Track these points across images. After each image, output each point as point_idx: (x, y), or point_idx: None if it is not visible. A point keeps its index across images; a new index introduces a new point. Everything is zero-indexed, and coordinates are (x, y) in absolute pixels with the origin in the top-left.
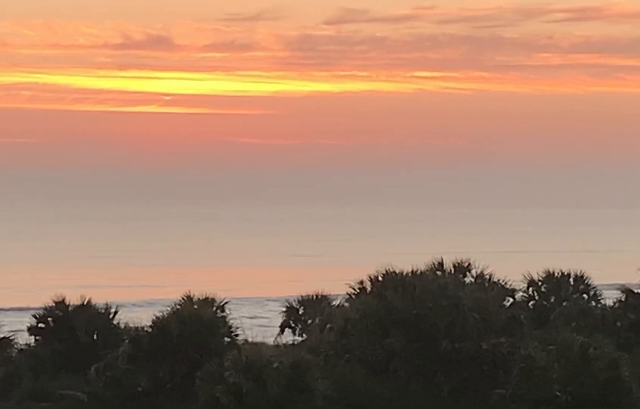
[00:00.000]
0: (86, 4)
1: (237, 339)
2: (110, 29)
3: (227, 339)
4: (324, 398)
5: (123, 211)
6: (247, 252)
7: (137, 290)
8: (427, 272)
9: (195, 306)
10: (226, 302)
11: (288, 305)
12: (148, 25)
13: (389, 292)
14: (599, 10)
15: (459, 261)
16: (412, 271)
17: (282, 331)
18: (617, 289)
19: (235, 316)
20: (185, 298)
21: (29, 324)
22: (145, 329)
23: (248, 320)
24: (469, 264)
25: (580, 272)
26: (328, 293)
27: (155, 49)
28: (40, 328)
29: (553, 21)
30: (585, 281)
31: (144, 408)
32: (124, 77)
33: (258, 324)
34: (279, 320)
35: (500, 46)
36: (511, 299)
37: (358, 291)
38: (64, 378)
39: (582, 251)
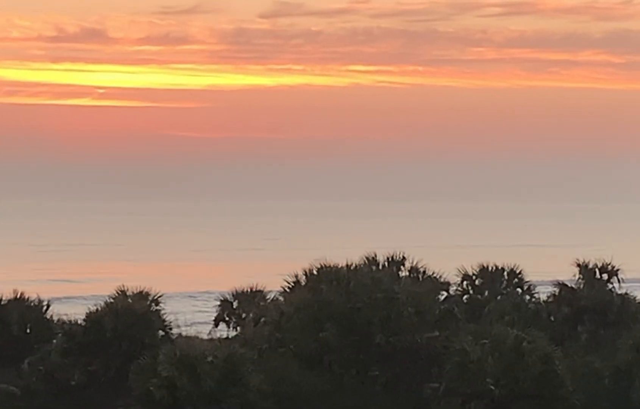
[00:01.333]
0: None
1: (171, 333)
2: (44, 22)
3: (161, 333)
4: (258, 391)
5: (56, 205)
6: (181, 246)
7: (72, 285)
8: (361, 266)
9: (130, 300)
10: (160, 296)
11: (222, 299)
12: (82, 18)
13: (324, 286)
14: (533, 5)
15: (393, 255)
16: (347, 265)
17: (216, 325)
18: (552, 283)
19: (170, 310)
20: (119, 292)
21: None
22: (79, 322)
23: (182, 314)
24: (403, 258)
25: (514, 266)
26: (263, 287)
27: (89, 42)
28: None
29: (487, 16)
30: (519, 275)
31: (77, 401)
32: (58, 70)
33: (192, 318)
34: (213, 314)
35: (435, 40)
36: (445, 293)
37: (293, 285)
38: None
39: (516, 246)
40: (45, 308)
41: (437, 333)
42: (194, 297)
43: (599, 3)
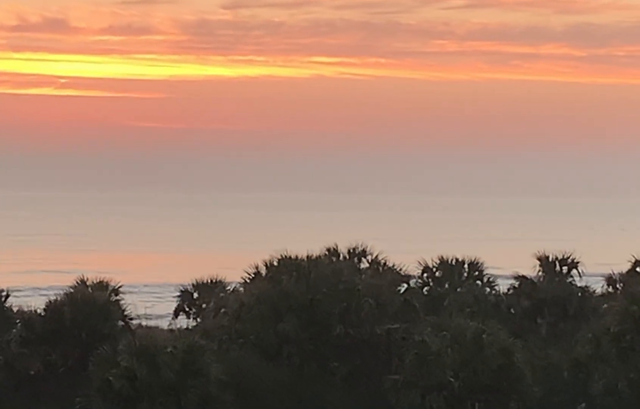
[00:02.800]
0: None
1: (131, 324)
2: (5, 11)
3: (121, 323)
4: (217, 382)
5: (16, 195)
6: (141, 237)
7: (33, 276)
8: (322, 258)
9: (90, 290)
10: (120, 287)
11: (182, 290)
12: (44, 7)
13: (284, 277)
14: None
15: (354, 247)
16: (307, 257)
17: (176, 316)
18: (512, 276)
19: (130, 300)
20: (79, 282)
21: None
22: (39, 312)
23: (142, 305)
24: (364, 250)
25: (475, 259)
26: (223, 278)
27: (51, 32)
28: None
29: (450, 8)
30: (480, 268)
31: (36, 391)
32: (19, 59)
33: (152, 309)
34: (173, 305)
35: (397, 32)
36: (406, 285)
37: (253, 276)
38: None
39: (479, 239)
40: (4, 298)
41: (397, 325)
42: (154, 288)
43: None
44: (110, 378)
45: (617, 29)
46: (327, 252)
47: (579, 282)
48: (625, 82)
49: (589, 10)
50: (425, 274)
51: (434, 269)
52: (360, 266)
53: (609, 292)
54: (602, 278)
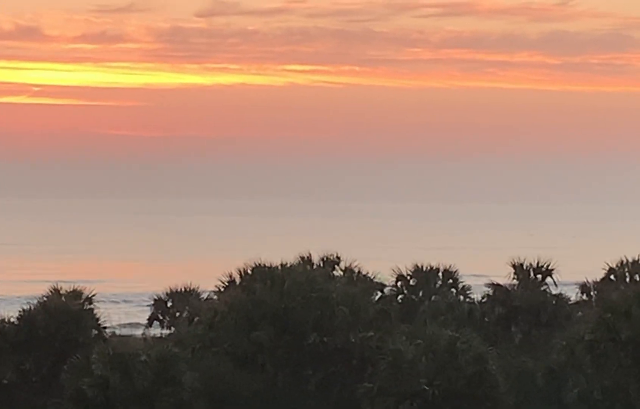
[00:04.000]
0: None
1: (105, 332)
2: None
3: (94, 331)
4: (191, 391)
5: None
6: (114, 245)
7: (5, 285)
8: (296, 266)
9: (63, 299)
10: (94, 295)
11: (156, 298)
12: (17, 15)
13: (258, 285)
14: (469, 6)
15: (328, 255)
16: (281, 265)
17: (150, 324)
18: (486, 283)
19: (103, 308)
20: (52, 291)
21: None
22: (12, 321)
23: (116, 313)
24: (338, 257)
25: (449, 266)
26: (197, 286)
27: (24, 40)
28: None
29: (424, 16)
30: (454, 276)
31: (9, 400)
32: None
33: (126, 317)
34: (147, 313)
35: (371, 40)
36: (380, 293)
37: (227, 284)
38: None
39: (454, 246)
40: None
41: (371, 333)
42: (127, 296)
43: (534, 4)
44: (84, 387)
45: (591, 37)
46: (300, 260)
47: (554, 290)
48: (599, 90)
49: (564, 18)
50: (399, 282)
51: (408, 277)
52: (334, 274)
53: (583, 300)
54: (576, 286)
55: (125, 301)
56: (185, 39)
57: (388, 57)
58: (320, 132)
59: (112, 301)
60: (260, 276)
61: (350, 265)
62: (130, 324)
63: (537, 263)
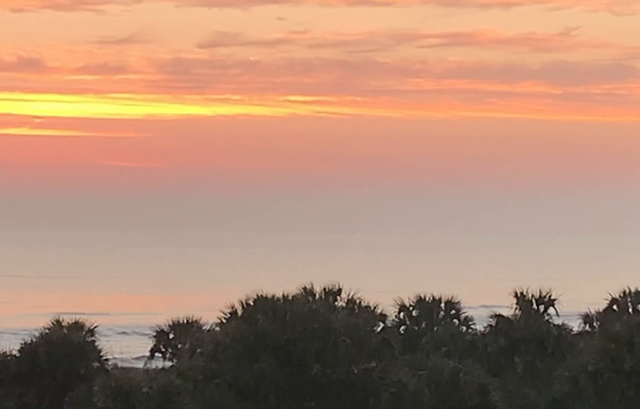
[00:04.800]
0: None
1: (107, 364)
2: None
3: (96, 364)
4: None
5: None
6: (117, 277)
7: (8, 317)
8: (298, 297)
9: (65, 331)
10: (95, 327)
11: (158, 330)
12: (19, 46)
13: (260, 316)
14: (471, 36)
15: (330, 286)
16: (284, 296)
17: (152, 356)
18: (489, 314)
19: (105, 340)
20: (54, 323)
21: None
22: (13, 354)
23: (117, 345)
24: (340, 289)
25: (451, 297)
26: (199, 318)
27: (26, 71)
28: None
29: (426, 46)
30: (456, 306)
31: None
32: None
33: (128, 349)
34: (149, 345)
35: (374, 71)
36: (382, 324)
37: (229, 315)
38: None
39: (456, 277)
40: None
41: (373, 364)
42: (130, 328)
43: (536, 35)
44: None
45: (593, 67)
46: (302, 292)
47: (556, 321)
48: (601, 120)
49: (565, 49)
50: (402, 313)
51: (411, 308)
52: (336, 305)
53: (585, 330)
54: (579, 316)
55: (127, 333)
56: (187, 70)
57: (390, 88)
58: (323, 163)
59: (114, 333)
60: (262, 308)
61: (352, 296)
62: (132, 357)
63: (540, 293)
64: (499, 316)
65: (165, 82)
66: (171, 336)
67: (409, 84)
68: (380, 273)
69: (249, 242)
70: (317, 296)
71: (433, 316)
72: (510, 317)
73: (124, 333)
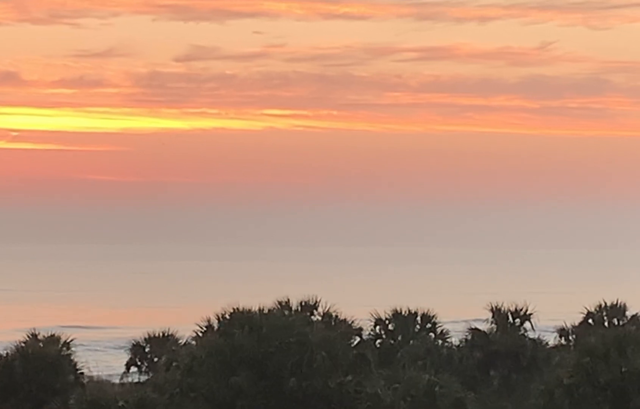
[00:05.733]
0: None
1: (83, 378)
2: None
3: (72, 377)
4: None
5: None
6: (93, 290)
7: None
8: (274, 311)
9: (41, 344)
10: (71, 341)
11: (134, 343)
12: None
13: (236, 330)
14: (448, 50)
15: (307, 300)
16: (260, 310)
17: (127, 370)
18: (465, 327)
19: (80, 354)
20: (30, 336)
21: None
22: None
23: (93, 358)
24: (316, 302)
25: (427, 310)
26: (175, 331)
27: (2, 85)
28: None
29: (402, 60)
30: (432, 320)
31: None
32: None
33: (104, 362)
34: (125, 359)
35: (350, 85)
36: (358, 338)
37: (205, 329)
38: None
39: (431, 291)
40: None
41: (349, 378)
42: (105, 342)
43: (513, 49)
44: None
45: (569, 81)
46: (279, 305)
47: (532, 334)
48: (578, 134)
49: (542, 62)
50: (378, 326)
51: (387, 321)
52: (312, 318)
53: (561, 344)
54: (554, 330)
55: (102, 347)
56: (164, 84)
57: (367, 102)
58: (300, 177)
59: (90, 347)
60: (238, 321)
61: (328, 309)
62: (108, 371)
63: (516, 307)
64: (474, 330)
65: (141, 95)
66: (147, 349)
67: (386, 97)
68: (356, 286)
69: (225, 256)
70: (294, 309)
71: (409, 330)
72: (486, 331)
73: (100, 346)
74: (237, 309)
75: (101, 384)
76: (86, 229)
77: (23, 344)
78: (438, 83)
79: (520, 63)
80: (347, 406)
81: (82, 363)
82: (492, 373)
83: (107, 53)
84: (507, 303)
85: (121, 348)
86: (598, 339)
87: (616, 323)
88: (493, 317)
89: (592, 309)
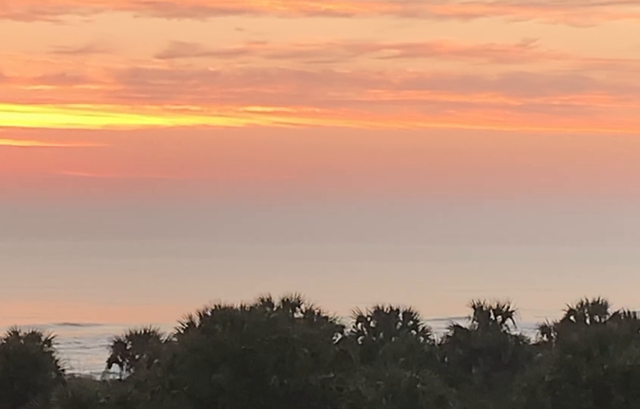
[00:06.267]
0: None
1: (64, 375)
2: None
3: (53, 374)
4: None
5: None
6: (75, 287)
7: None
8: (256, 308)
9: (22, 341)
10: (53, 337)
11: (116, 340)
12: None
13: (218, 327)
14: (430, 48)
15: (288, 297)
16: (242, 307)
17: (109, 366)
18: (447, 324)
19: (62, 351)
20: (11, 333)
21: None
22: None
23: (75, 355)
24: (298, 299)
25: (409, 307)
26: (156, 328)
27: None
28: None
29: (384, 57)
30: (414, 317)
31: None
32: None
33: (85, 359)
34: (106, 356)
35: (332, 82)
36: (340, 335)
37: (187, 326)
38: None
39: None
40: None
41: (331, 375)
42: (88, 339)
43: (495, 46)
44: None
45: (551, 79)
46: (261, 302)
47: (514, 331)
48: (560, 131)
49: (523, 60)
50: (359, 324)
51: (369, 318)
52: (294, 315)
53: (543, 341)
54: (536, 327)
55: (84, 344)
56: (146, 80)
57: (349, 99)
58: (282, 174)
59: (72, 344)
60: (220, 318)
61: (310, 307)
62: (90, 368)
63: (497, 305)
64: (456, 327)
65: (123, 92)
66: (129, 346)
67: (368, 94)
68: (338, 283)
69: (207, 252)
70: (276, 306)
71: (391, 327)
72: (468, 328)
73: (81, 343)
74: (219, 306)
75: (83, 381)
76: (67, 226)
77: (4, 341)
78: (420, 80)
79: (502, 60)
80: (329, 403)
81: (63, 360)
82: (474, 370)
83: (89, 49)
84: (489, 300)
85: (103, 345)
86: (580, 337)
87: (598, 320)
88: (475, 314)
89: (574, 306)
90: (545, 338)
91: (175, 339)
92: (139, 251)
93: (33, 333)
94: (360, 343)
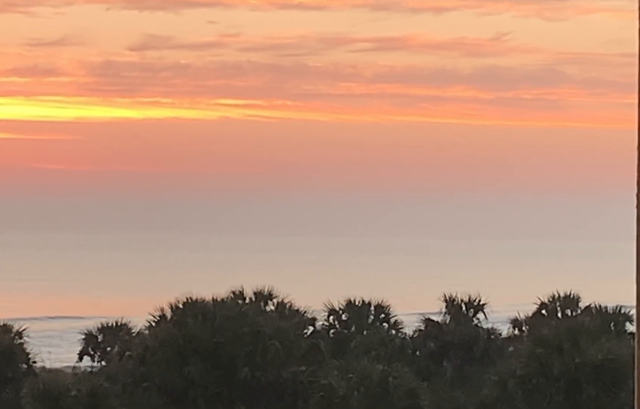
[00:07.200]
0: None
1: (35, 367)
2: None
3: (24, 366)
4: None
5: None
6: (45, 279)
7: None
8: (227, 301)
9: None
10: (24, 330)
11: (87, 333)
12: None
13: (189, 320)
14: (402, 41)
15: (260, 290)
16: (213, 299)
17: (80, 359)
18: (419, 318)
19: (33, 343)
20: None
21: None
22: None
23: (46, 347)
24: (270, 292)
25: (381, 301)
26: (128, 321)
27: None
28: None
29: (357, 51)
30: (386, 310)
31: None
32: None
33: (57, 352)
34: (78, 348)
35: (304, 75)
36: (312, 328)
37: (158, 319)
38: None
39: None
40: None
41: (303, 368)
42: (58, 331)
43: (467, 39)
44: None
45: (524, 73)
46: (232, 295)
47: (485, 325)
48: (532, 125)
49: (496, 53)
50: (331, 317)
51: (340, 312)
52: (266, 308)
53: (515, 334)
54: (508, 320)
55: (55, 336)
56: (118, 73)
57: (321, 92)
58: (253, 167)
59: (43, 336)
60: (191, 311)
61: (282, 300)
62: (61, 361)
63: (469, 298)
64: (428, 320)
65: (95, 84)
66: (100, 339)
67: (340, 88)
68: (310, 277)
69: (179, 245)
70: (247, 299)
71: (362, 320)
72: (439, 321)
73: (53, 335)
74: (191, 298)
75: (54, 373)
76: (38, 219)
77: None
78: (392, 74)
79: (474, 54)
80: (300, 396)
81: (35, 352)
82: (445, 363)
83: (61, 42)
84: (461, 294)
85: (75, 338)
86: (551, 330)
87: (569, 314)
88: (446, 307)
89: (546, 300)
90: (516, 332)
91: (146, 331)
92: (110, 243)
93: (4, 325)
94: (331, 336)
